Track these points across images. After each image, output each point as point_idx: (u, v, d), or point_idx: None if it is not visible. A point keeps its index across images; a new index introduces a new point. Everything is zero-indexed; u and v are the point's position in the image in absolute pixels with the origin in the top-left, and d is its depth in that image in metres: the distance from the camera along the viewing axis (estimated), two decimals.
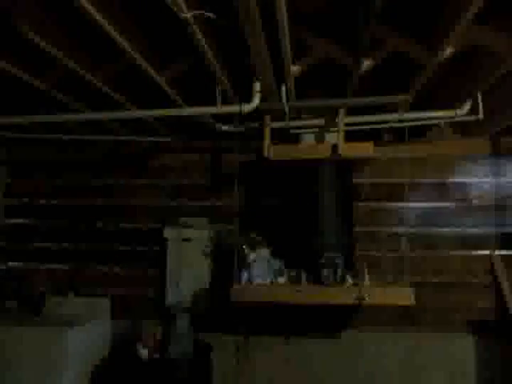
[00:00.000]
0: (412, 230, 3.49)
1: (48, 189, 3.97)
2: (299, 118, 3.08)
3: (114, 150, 3.91)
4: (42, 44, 1.95)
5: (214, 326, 3.56)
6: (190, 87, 2.69)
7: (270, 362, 3.54)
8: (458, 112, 2.76)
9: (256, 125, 3.11)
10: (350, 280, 2.81)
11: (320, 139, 3.16)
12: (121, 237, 3.85)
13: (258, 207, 3.60)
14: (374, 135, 3.19)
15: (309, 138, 3.19)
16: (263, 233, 3.07)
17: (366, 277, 2.81)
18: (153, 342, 3.25)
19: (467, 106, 2.75)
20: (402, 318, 3.47)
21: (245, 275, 2.90)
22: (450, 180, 3.55)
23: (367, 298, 2.66)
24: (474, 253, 3.48)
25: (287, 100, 2.62)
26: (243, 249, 2.96)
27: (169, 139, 3.71)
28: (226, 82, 2.44)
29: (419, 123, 2.98)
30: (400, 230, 3.49)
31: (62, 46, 2.04)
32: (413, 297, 2.69)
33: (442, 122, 3.01)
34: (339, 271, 2.77)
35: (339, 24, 2.17)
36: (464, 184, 3.53)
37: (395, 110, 2.86)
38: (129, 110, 2.86)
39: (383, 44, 2.21)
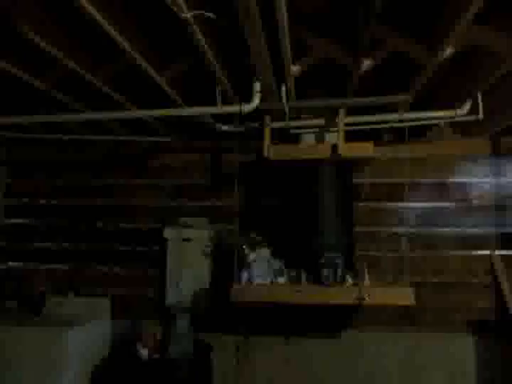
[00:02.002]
0: (412, 230, 3.49)
1: (48, 189, 3.97)
2: (299, 118, 3.08)
3: (114, 149, 3.91)
4: (42, 44, 1.95)
5: (214, 325, 3.56)
6: (190, 87, 2.69)
7: (269, 362, 3.54)
8: (458, 112, 2.76)
9: (256, 125, 3.11)
10: (350, 280, 2.81)
11: (320, 139, 3.16)
12: (121, 237, 3.85)
13: (258, 207, 3.60)
14: (373, 135, 3.19)
15: (309, 138, 3.19)
16: (263, 233, 3.07)
17: (366, 277, 2.81)
18: (153, 341, 3.25)
19: (467, 106, 2.75)
20: (402, 317, 3.47)
21: (245, 275, 2.89)
22: (450, 180, 3.55)
23: (367, 298, 2.66)
24: (474, 253, 3.48)
25: (287, 100, 2.63)
26: (243, 249, 2.96)
27: (169, 139, 3.71)
28: (226, 82, 2.44)
29: (419, 123, 2.98)
30: (400, 230, 3.49)
31: (61, 46, 2.05)
32: (413, 297, 2.68)
33: (442, 122, 3.01)
34: (339, 271, 2.77)
35: (339, 24, 2.17)
36: (464, 184, 3.53)
37: (395, 110, 2.86)
38: (129, 109, 2.86)
39: (383, 44, 2.21)
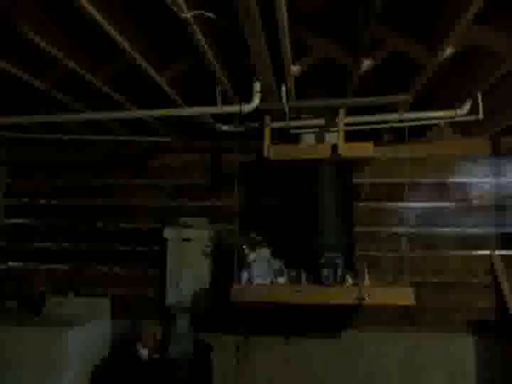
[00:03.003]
0: (412, 230, 3.49)
1: (48, 189, 3.97)
2: (299, 118, 3.08)
3: (114, 149, 3.91)
4: (42, 44, 1.95)
5: (214, 325, 3.56)
6: (190, 87, 2.69)
7: (269, 362, 3.54)
8: (458, 112, 2.76)
9: (256, 125, 3.11)
10: (350, 280, 2.81)
11: (320, 139, 3.16)
12: (121, 237, 3.85)
13: (257, 207, 3.60)
14: (373, 135, 3.19)
15: (309, 138, 3.19)
16: (263, 233, 3.07)
17: (366, 277, 2.81)
18: (153, 341, 3.25)
19: (467, 106, 2.75)
20: (402, 317, 3.47)
21: (245, 275, 2.89)
22: (450, 180, 3.55)
23: (367, 298, 2.66)
24: (474, 253, 3.48)
25: (287, 100, 2.63)
26: (243, 249, 2.96)
27: (169, 139, 3.71)
28: (226, 82, 2.44)
29: (419, 123, 2.98)
30: (400, 230, 3.49)
31: (62, 46, 2.05)
32: (413, 297, 2.68)
33: (442, 122, 3.01)
34: (339, 271, 2.77)
35: (339, 24, 2.17)
36: (464, 184, 3.53)
37: (395, 110, 2.86)
38: (129, 109, 2.86)
39: (383, 44, 2.21)
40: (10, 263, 3.95)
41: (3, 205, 4.01)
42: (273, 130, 3.04)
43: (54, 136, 3.56)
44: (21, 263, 3.93)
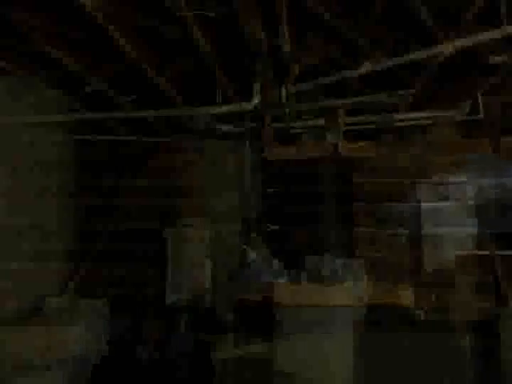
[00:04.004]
0: (412, 230, 3.49)
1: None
2: (299, 118, 3.08)
3: (114, 149, 3.91)
4: (42, 44, 1.95)
5: (214, 325, 3.55)
6: (190, 87, 2.69)
7: (270, 361, 3.53)
8: (458, 112, 2.76)
9: (256, 125, 3.11)
10: (350, 280, 2.81)
11: (320, 139, 3.16)
12: (121, 237, 3.84)
13: (258, 207, 3.60)
14: (374, 135, 3.19)
15: (309, 138, 3.19)
16: (263, 233, 3.07)
17: (366, 277, 2.81)
18: (153, 342, 3.25)
19: (467, 106, 2.75)
20: (402, 318, 3.47)
21: (245, 275, 2.89)
22: (450, 180, 3.55)
23: (367, 298, 2.67)
24: (474, 253, 3.48)
25: (287, 100, 2.63)
26: (243, 249, 2.96)
27: (169, 139, 3.71)
28: (226, 81, 2.44)
29: (419, 123, 2.98)
30: (400, 230, 3.49)
31: (62, 46, 2.05)
32: (413, 297, 2.69)
33: (442, 121, 3.01)
34: (339, 271, 2.77)
35: (339, 25, 2.17)
36: (464, 184, 3.53)
37: (395, 110, 2.86)
38: (129, 110, 2.87)
39: (383, 44, 2.21)
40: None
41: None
42: (273, 129, 3.03)
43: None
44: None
